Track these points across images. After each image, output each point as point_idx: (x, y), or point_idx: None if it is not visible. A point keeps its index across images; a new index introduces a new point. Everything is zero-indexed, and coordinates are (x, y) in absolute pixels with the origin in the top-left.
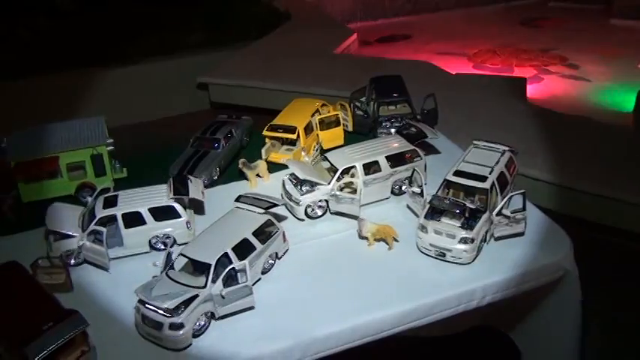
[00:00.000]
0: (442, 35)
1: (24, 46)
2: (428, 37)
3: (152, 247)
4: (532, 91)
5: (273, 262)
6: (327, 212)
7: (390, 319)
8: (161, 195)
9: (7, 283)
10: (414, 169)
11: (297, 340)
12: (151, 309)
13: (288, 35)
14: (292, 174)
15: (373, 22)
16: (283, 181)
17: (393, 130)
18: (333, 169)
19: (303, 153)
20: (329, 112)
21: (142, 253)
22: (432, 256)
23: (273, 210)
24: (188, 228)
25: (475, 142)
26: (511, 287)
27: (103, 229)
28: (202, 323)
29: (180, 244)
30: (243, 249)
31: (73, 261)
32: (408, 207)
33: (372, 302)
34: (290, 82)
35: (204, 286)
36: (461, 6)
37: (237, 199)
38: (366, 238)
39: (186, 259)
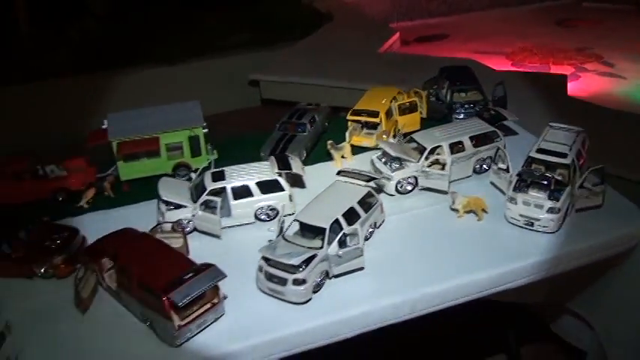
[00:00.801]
0: (478, 35)
1: (75, 46)
2: (464, 37)
3: (257, 217)
4: (571, 88)
5: (372, 230)
6: (415, 189)
7: (485, 282)
8: (265, 170)
9: (138, 242)
10: (499, 148)
11: (405, 297)
12: (275, 267)
13: (331, 34)
14: (382, 153)
15: (410, 22)
16: (372, 160)
17: (461, 116)
18: (420, 149)
19: (384, 136)
20: (405, 99)
21: (247, 224)
22: (519, 226)
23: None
24: (290, 200)
25: (551, 124)
26: (592, 254)
27: (218, 199)
28: (319, 280)
29: (284, 215)
30: (351, 216)
31: (187, 229)
32: (492, 183)
33: (467, 267)
34: (338, 78)
35: (321, 247)
36: (494, 6)
37: (338, 173)
38: (457, 210)
39: (300, 225)
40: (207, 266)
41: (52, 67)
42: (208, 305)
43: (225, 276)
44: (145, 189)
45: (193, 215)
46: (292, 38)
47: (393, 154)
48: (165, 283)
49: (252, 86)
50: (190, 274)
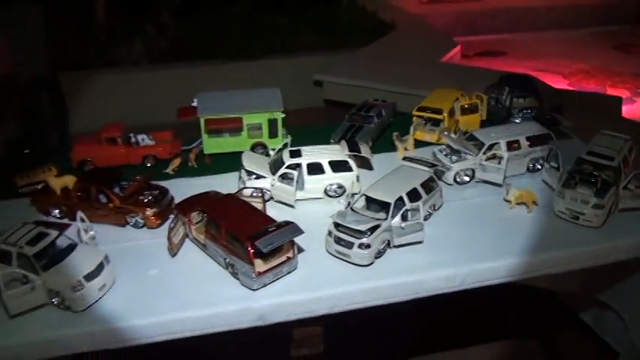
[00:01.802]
0: (536, 54)
1: (150, 39)
2: (523, 55)
3: (326, 193)
4: (626, 111)
5: (431, 212)
6: (472, 180)
7: (529, 265)
8: (336, 152)
9: (224, 200)
10: (552, 148)
11: (457, 270)
12: (344, 232)
13: (394, 43)
14: (444, 146)
15: (471, 37)
16: (434, 152)
17: (518, 120)
18: (479, 145)
19: (445, 132)
20: (467, 101)
21: (317, 198)
22: (565, 219)
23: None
24: (357, 181)
25: (602, 131)
26: (630, 251)
27: (295, 172)
28: (382, 248)
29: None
30: (413, 195)
31: (266, 197)
32: (543, 181)
33: (514, 250)
34: (399, 84)
35: (386, 219)
36: (553, 28)
37: (404, 159)
38: (509, 202)
39: (367, 199)
40: (287, 223)
41: (128, 57)
42: (284, 258)
43: (303, 232)
44: (225, 162)
45: (272, 185)
46: (356, 44)
47: (454, 146)
48: (251, 233)
49: (316, 86)
50: (273, 228)
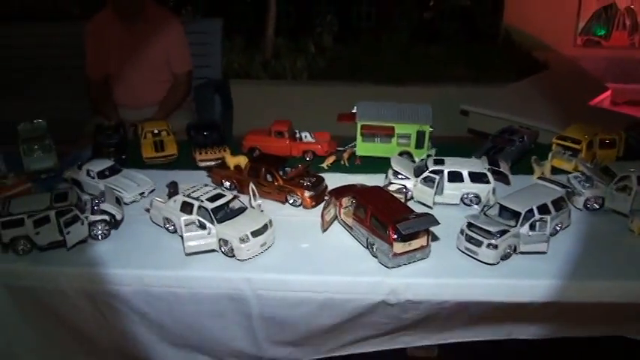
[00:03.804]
0: None
1: (310, 57)
2: None
3: (462, 201)
4: None
5: (558, 229)
6: (601, 209)
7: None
8: (477, 165)
9: (372, 191)
10: None
11: (571, 283)
12: (475, 231)
13: (545, 81)
14: (578, 173)
15: (623, 85)
16: (568, 177)
17: None
18: (611, 174)
19: (582, 162)
20: (606, 136)
21: (453, 204)
22: None
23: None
24: (493, 193)
25: None
26: None
27: (436, 177)
28: (508, 251)
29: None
30: (543, 209)
31: (408, 195)
32: None
33: (631, 275)
34: (543, 121)
35: (515, 226)
36: None
37: (538, 178)
38: (633, 231)
39: (500, 207)
40: (426, 214)
41: (290, 72)
42: (418, 246)
43: (439, 223)
44: (373, 165)
45: (414, 186)
46: (506, 79)
47: (588, 173)
48: (394, 218)
49: (462, 115)
50: (413, 216)
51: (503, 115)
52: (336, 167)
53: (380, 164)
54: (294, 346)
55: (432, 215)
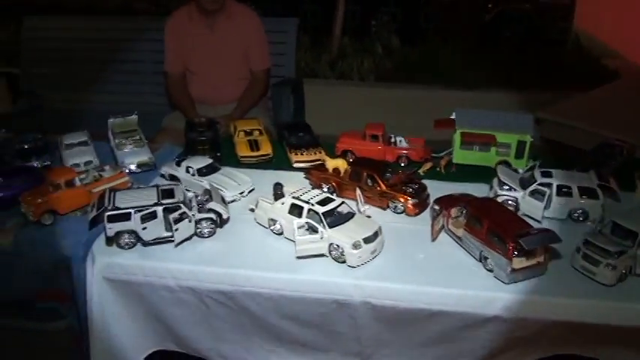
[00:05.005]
0: None
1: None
2: None
3: (569, 215)
4: None
5: None
6: None
7: None
8: (586, 179)
9: (485, 202)
10: None
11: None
12: (593, 250)
13: (618, 91)
14: None
15: None
16: None
17: None
18: None
19: None
20: None
21: (560, 219)
22: None
23: None
24: (603, 210)
25: None
26: None
27: (547, 190)
28: (623, 272)
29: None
30: None
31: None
32: None
33: None
34: (617, 130)
35: (632, 246)
36: None
37: None
38: None
39: (613, 224)
40: (546, 230)
41: (357, 72)
42: (535, 262)
43: (561, 241)
44: (469, 174)
45: (522, 198)
46: (575, 87)
47: None
48: (515, 233)
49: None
50: (535, 231)
51: (579, 124)
52: (432, 174)
53: (476, 173)
54: (398, 355)
55: (553, 231)
